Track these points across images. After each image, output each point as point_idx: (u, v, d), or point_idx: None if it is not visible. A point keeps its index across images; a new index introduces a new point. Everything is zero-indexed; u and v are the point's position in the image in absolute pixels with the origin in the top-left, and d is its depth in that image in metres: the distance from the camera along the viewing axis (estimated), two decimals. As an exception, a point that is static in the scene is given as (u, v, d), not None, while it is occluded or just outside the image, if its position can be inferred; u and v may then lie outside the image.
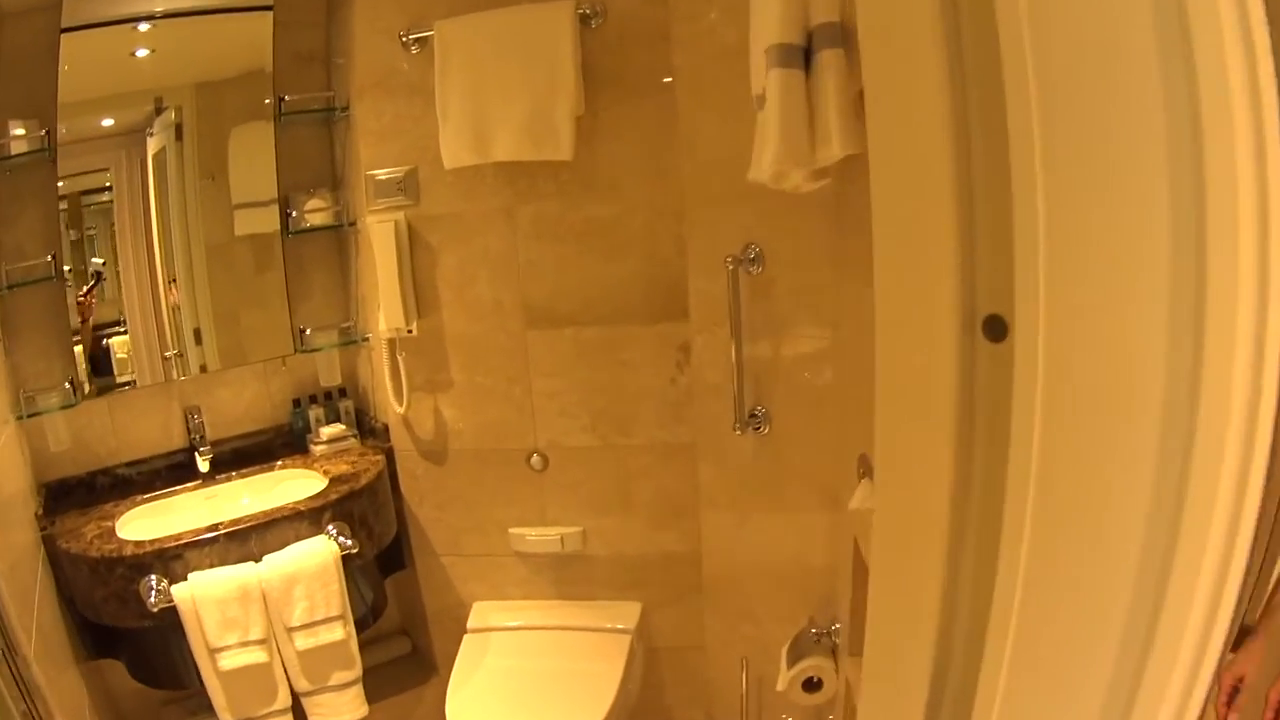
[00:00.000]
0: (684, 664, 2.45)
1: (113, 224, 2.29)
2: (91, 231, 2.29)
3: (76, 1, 2.11)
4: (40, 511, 2.19)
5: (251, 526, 2.09)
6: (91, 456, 2.37)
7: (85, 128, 2.22)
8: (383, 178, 2.26)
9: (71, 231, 2.23)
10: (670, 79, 2.04)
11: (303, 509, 2.14)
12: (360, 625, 2.24)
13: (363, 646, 2.48)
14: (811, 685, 1.99)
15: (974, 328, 0.77)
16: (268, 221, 2.44)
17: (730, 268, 2.00)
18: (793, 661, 2.00)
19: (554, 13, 2.00)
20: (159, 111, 2.30)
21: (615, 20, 2.05)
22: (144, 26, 2.25)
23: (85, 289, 2.28)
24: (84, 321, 2.29)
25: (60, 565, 2.08)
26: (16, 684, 1.53)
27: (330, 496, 2.19)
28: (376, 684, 2.52)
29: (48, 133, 2.12)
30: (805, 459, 2.10)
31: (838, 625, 2.00)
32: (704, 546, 2.29)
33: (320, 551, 2.08)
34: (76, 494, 2.34)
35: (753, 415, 2.09)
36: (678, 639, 2.41)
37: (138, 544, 2.02)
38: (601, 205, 2.16)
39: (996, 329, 0.75)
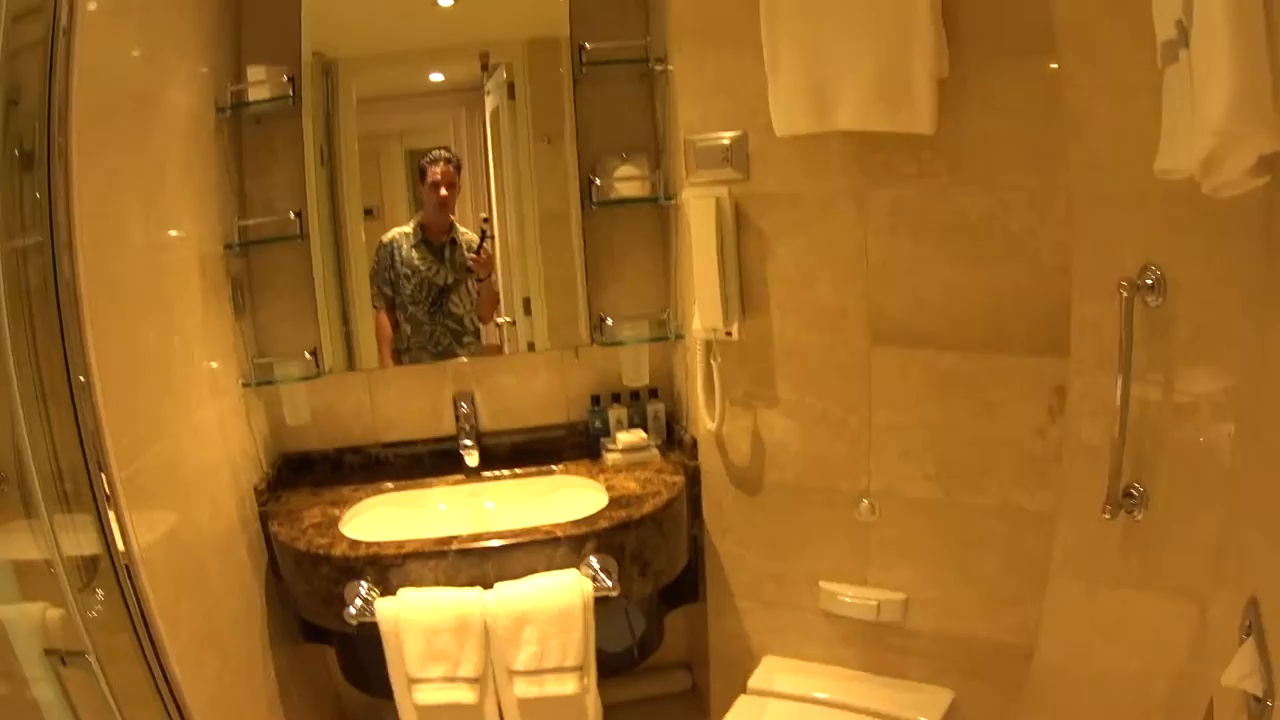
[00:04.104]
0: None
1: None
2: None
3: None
4: (264, 485, 2.03)
5: (492, 547, 1.78)
6: (342, 432, 2.21)
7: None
8: (704, 144, 1.87)
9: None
10: (1054, 34, 1.53)
11: (560, 535, 1.79)
12: (619, 662, 1.93)
13: (639, 674, 2.31)
14: None
15: None
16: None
17: (1125, 295, 1.40)
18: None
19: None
20: (486, 68, 2.13)
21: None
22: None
23: (477, 246, 2.17)
24: (481, 281, 2.19)
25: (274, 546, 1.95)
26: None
27: (600, 524, 1.82)
28: (646, 714, 2.33)
29: (291, 79, 2.01)
30: (1179, 559, 1.43)
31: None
32: (1041, 642, 1.74)
33: (565, 591, 1.73)
34: (319, 470, 2.20)
35: (1129, 494, 1.47)
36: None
37: (352, 544, 1.81)
38: (972, 196, 1.67)
39: None
